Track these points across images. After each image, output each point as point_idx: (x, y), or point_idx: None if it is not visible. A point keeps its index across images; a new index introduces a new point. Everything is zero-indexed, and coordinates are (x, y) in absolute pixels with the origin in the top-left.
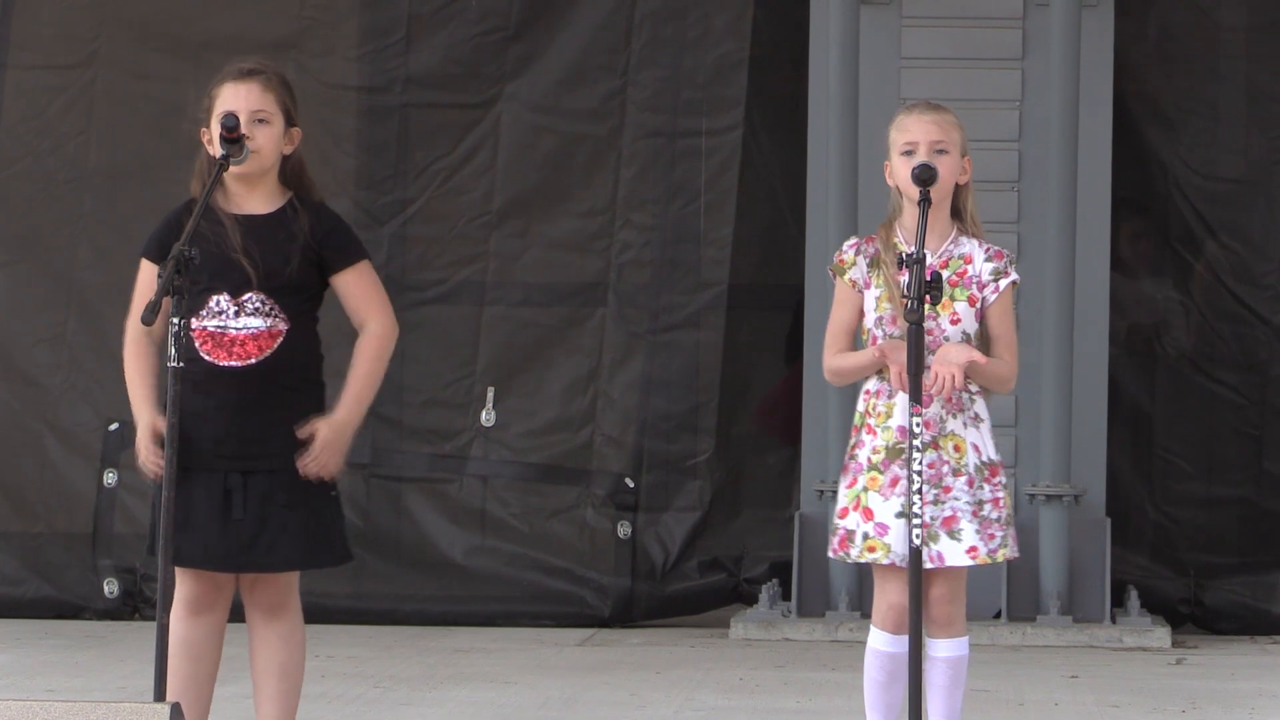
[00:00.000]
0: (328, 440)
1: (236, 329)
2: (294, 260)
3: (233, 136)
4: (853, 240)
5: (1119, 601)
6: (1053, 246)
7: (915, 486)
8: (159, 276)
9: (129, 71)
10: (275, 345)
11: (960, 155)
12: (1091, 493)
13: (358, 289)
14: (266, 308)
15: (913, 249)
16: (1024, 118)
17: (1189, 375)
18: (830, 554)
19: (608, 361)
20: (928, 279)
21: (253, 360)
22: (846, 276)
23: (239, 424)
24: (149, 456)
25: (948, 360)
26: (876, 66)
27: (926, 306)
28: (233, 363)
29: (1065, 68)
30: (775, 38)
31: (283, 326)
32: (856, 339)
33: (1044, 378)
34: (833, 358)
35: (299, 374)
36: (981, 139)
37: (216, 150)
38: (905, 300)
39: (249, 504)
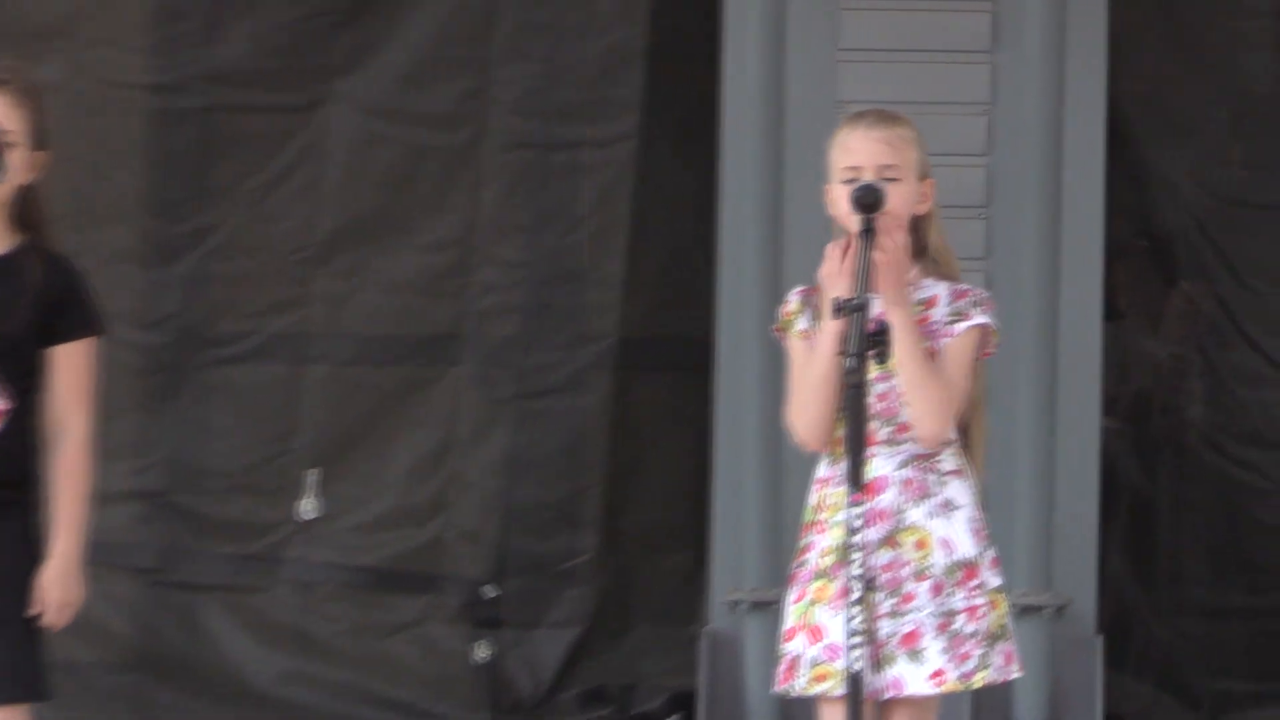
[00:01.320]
0: (62, 600)
1: None
2: (23, 319)
3: None
4: (799, 289)
5: None
6: (1030, 289)
7: (854, 596)
8: None
9: None
10: None
11: (918, 179)
12: (1079, 603)
13: (73, 373)
14: None
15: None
16: (994, 125)
17: (1203, 454)
18: (775, 687)
19: (463, 435)
20: (871, 330)
21: None
22: (797, 328)
23: None
24: None
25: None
26: (808, 60)
27: (875, 366)
28: None
29: (1046, 62)
30: (679, 24)
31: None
32: None
33: (1019, 456)
34: (788, 407)
35: (19, 468)
36: (940, 152)
37: None
38: (842, 357)
39: None
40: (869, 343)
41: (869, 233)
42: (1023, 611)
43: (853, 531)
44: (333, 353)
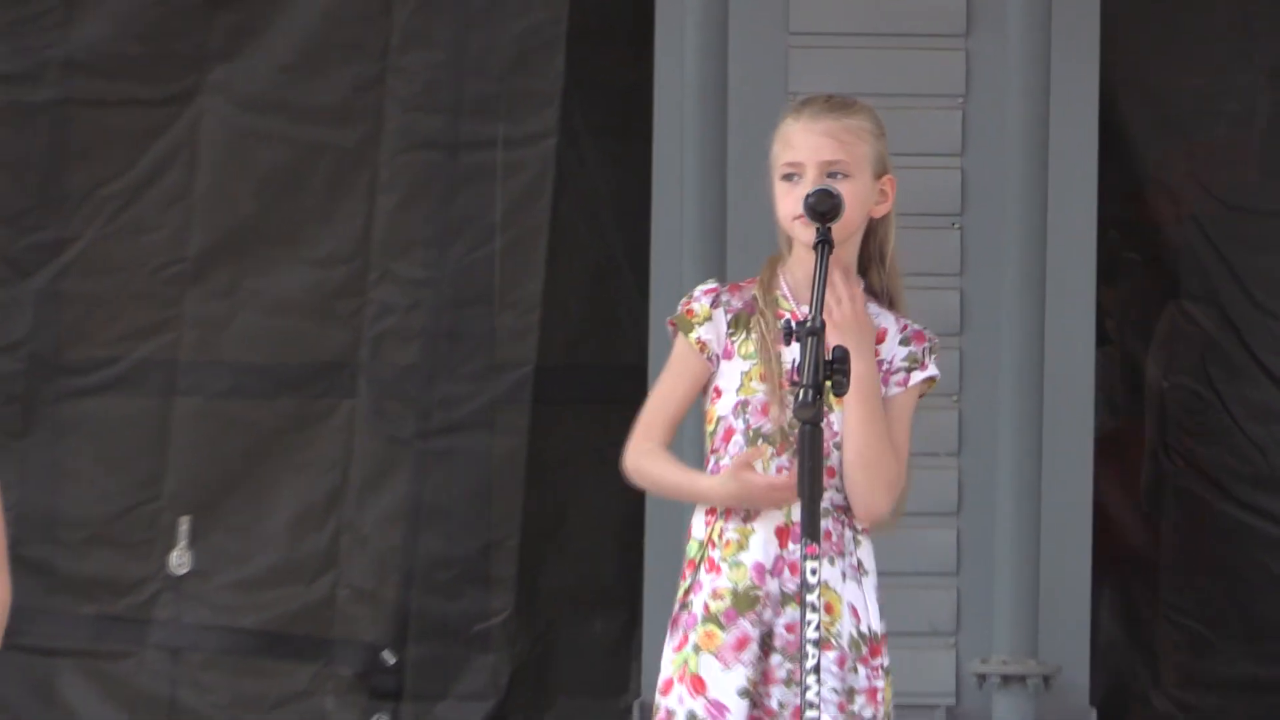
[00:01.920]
0: None
1: None
2: None
3: None
4: (710, 284)
5: None
6: (1012, 312)
7: (811, 662)
8: None
9: None
10: None
11: (873, 176)
12: (1069, 672)
13: None
14: None
15: (804, 315)
16: (969, 122)
17: (1209, 500)
18: None
19: (357, 479)
20: (829, 359)
21: None
22: (694, 335)
23: None
24: None
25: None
26: (754, 47)
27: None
28: None
29: (1030, 47)
30: (605, 4)
31: None
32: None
33: (1000, 505)
34: (645, 456)
35: None
36: (907, 152)
37: None
38: (797, 388)
39: None
40: (828, 371)
41: (826, 245)
42: (1004, 681)
43: (807, 588)
44: (207, 384)
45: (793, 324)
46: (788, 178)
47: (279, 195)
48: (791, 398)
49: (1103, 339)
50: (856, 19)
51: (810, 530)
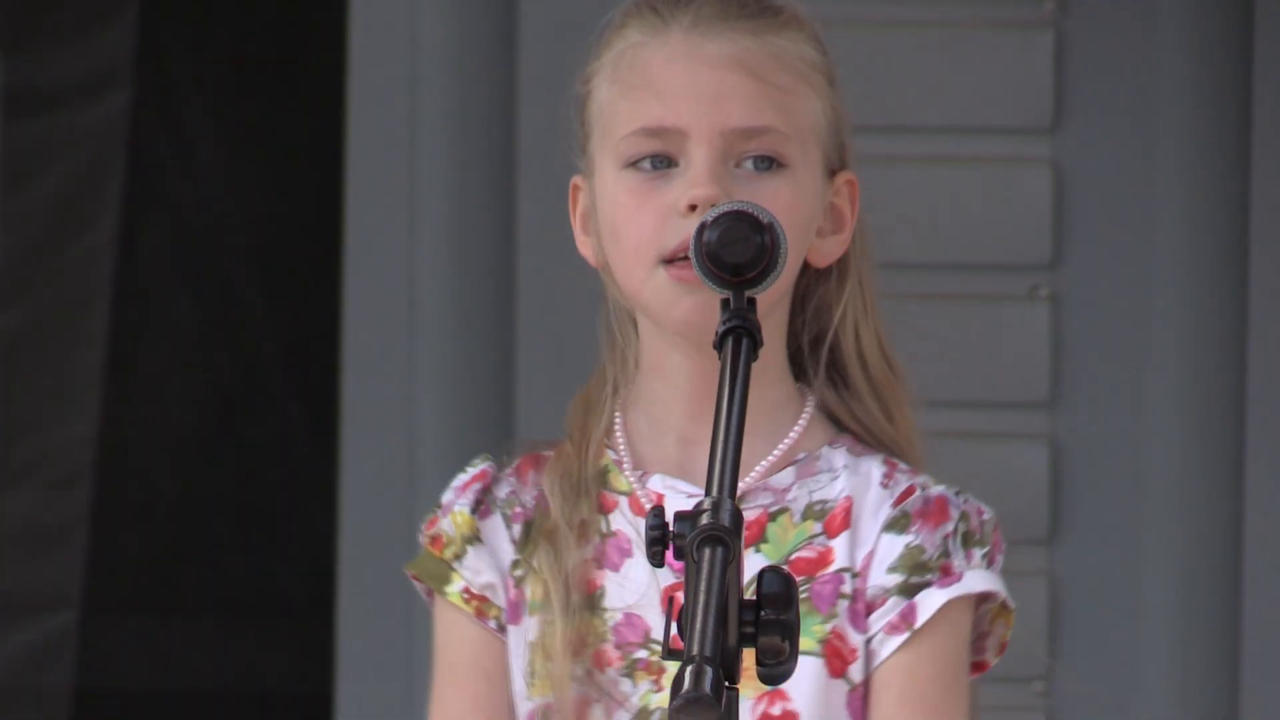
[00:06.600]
0: None
1: None
2: None
3: None
4: (476, 467)
5: None
6: (1167, 469)
7: None
8: None
9: None
10: None
11: (823, 169)
12: None
13: None
14: None
15: (683, 494)
16: (1067, 52)
17: None
18: None
19: None
20: (753, 595)
21: None
22: (456, 587)
23: None
24: None
25: None
26: None
27: (745, 681)
28: None
29: None
30: None
31: None
32: None
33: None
34: None
35: None
36: (912, 126)
37: None
38: (685, 662)
39: None
40: (746, 627)
41: (746, 340)
42: None
43: None
44: None
45: (665, 520)
46: (640, 165)
47: None
48: (660, 683)
49: None
50: None
51: None
